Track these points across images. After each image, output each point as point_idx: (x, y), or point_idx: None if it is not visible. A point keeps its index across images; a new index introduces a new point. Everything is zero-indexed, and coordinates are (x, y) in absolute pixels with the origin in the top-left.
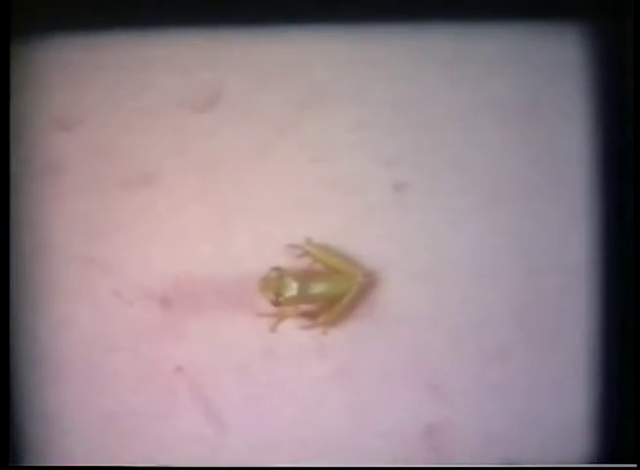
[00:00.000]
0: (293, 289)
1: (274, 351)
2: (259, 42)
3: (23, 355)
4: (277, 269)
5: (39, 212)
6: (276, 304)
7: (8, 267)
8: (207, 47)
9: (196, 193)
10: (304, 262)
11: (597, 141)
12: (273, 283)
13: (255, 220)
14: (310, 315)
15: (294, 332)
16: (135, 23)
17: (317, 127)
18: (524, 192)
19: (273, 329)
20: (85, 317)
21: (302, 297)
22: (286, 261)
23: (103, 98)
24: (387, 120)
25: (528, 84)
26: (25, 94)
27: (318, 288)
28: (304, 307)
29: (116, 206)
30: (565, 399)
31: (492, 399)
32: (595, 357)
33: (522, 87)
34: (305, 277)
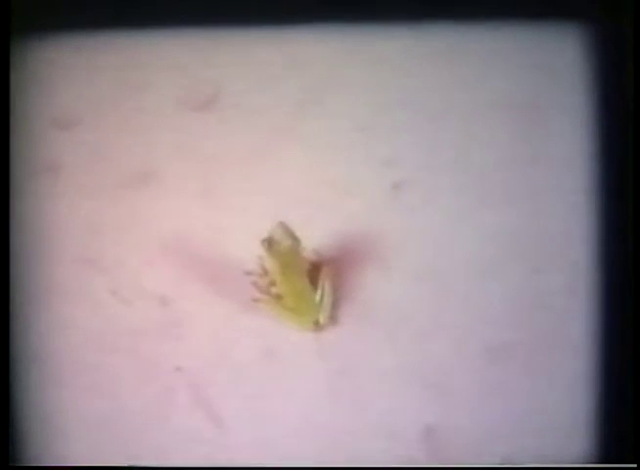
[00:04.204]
0: (286, 248)
1: (274, 351)
2: (258, 42)
3: (23, 356)
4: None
5: (37, 212)
6: (267, 248)
7: (8, 268)
8: (206, 47)
9: (194, 193)
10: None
11: (597, 140)
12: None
13: (254, 220)
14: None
15: (293, 332)
16: (133, 24)
17: (316, 127)
18: (523, 191)
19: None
20: (84, 317)
21: (288, 263)
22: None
23: (101, 98)
24: (385, 120)
25: (529, 84)
26: (24, 93)
27: (297, 280)
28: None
29: (115, 205)
30: (565, 399)
31: (492, 398)
32: (595, 357)
33: (522, 87)
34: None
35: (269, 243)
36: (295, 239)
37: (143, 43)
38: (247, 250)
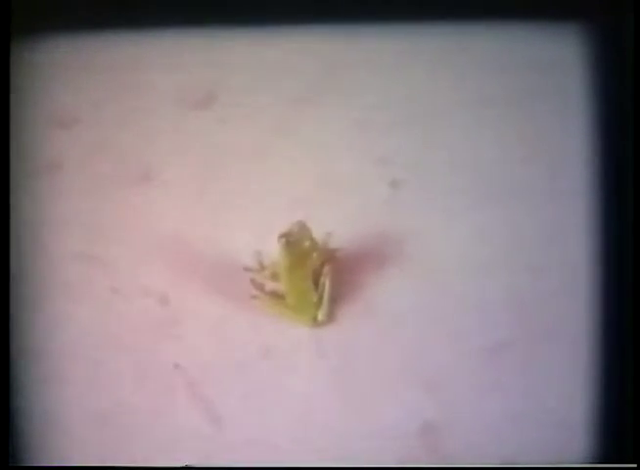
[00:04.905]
0: (303, 248)
1: (272, 349)
2: (255, 42)
3: (22, 354)
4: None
5: (38, 210)
6: (283, 244)
7: (8, 265)
8: (204, 47)
9: (193, 191)
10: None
11: (596, 139)
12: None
13: (253, 218)
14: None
15: (291, 330)
16: (133, 24)
17: (313, 125)
18: (521, 190)
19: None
20: (83, 315)
21: (299, 262)
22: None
23: (101, 97)
24: (383, 118)
25: (528, 83)
26: (24, 93)
27: (302, 279)
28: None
29: (115, 203)
30: (565, 399)
31: (492, 398)
32: (595, 357)
33: (521, 86)
34: (311, 264)
35: (287, 240)
36: (312, 240)
37: (142, 43)
38: (245, 248)
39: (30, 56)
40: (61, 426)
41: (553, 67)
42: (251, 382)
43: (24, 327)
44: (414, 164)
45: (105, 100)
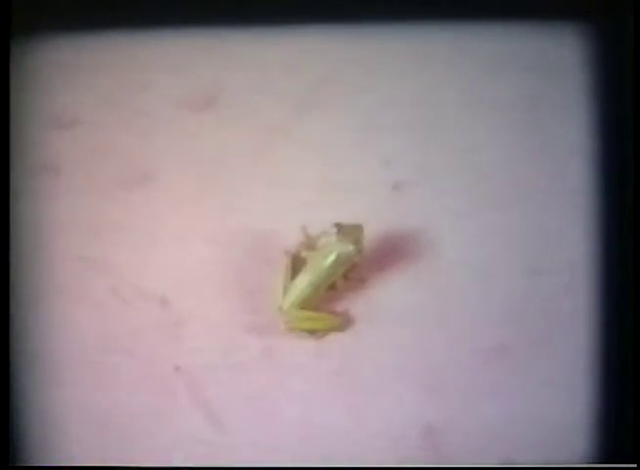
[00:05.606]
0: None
1: (273, 350)
2: (258, 42)
3: (22, 356)
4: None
5: (37, 212)
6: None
7: (8, 267)
8: (206, 47)
9: (194, 193)
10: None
11: (597, 140)
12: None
13: (254, 220)
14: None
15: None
16: (133, 24)
17: (316, 127)
18: (523, 191)
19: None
20: (83, 317)
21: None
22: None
23: (101, 98)
24: (386, 120)
25: (528, 84)
26: (24, 93)
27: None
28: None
29: (114, 205)
30: (565, 399)
31: (492, 398)
32: (595, 357)
33: (521, 87)
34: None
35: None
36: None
37: (143, 43)
38: (246, 249)
39: (30, 56)
40: (61, 427)
41: (553, 67)
42: (252, 384)
43: (25, 329)
44: (417, 165)
45: (105, 100)
